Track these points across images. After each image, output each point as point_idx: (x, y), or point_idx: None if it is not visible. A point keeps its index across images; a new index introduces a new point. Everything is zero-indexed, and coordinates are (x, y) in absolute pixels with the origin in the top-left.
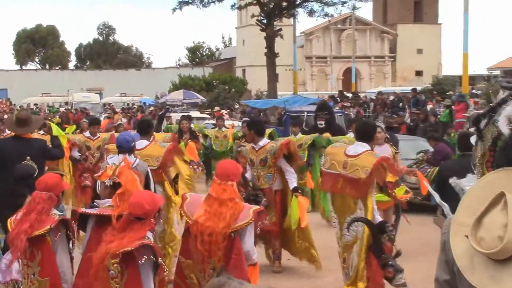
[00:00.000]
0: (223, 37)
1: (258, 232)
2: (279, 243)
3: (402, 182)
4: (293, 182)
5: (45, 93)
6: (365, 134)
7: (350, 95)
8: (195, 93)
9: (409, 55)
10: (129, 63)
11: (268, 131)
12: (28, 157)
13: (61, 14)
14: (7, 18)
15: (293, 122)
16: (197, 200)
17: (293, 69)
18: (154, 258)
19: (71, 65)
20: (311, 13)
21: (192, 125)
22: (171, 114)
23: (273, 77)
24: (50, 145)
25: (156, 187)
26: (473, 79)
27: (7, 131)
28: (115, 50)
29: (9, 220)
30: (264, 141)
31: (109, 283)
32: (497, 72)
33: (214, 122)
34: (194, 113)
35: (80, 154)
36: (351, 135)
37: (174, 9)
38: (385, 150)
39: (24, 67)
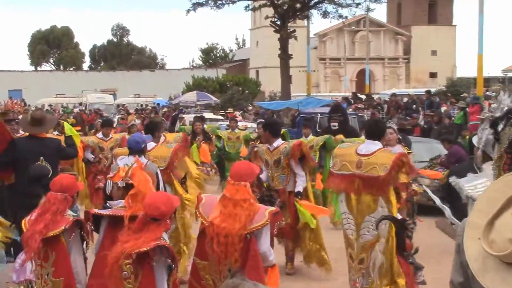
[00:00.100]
0: (236, 39)
1: (274, 233)
2: (292, 244)
3: (414, 184)
4: (299, 186)
5: (59, 94)
6: (376, 131)
7: (363, 97)
8: (208, 94)
9: (423, 56)
10: (143, 64)
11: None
12: (42, 158)
13: (75, 16)
14: (22, 20)
15: (304, 124)
16: (212, 201)
17: (306, 71)
18: (169, 260)
19: (85, 66)
20: (325, 14)
21: (205, 126)
22: (184, 116)
23: (286, 79)
24: (64, 145)
25: (166, 187)
26: (487, 81)
27: (21, 132)
28: (129, 51)
29: (23, 220)
30: (278, 142)
31: (122, 283)
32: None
33: (227, 123)
34: (208, 114)
35: (93, 156)
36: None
37: (188, 11)
38: (397, 151)
39: (38, 68)
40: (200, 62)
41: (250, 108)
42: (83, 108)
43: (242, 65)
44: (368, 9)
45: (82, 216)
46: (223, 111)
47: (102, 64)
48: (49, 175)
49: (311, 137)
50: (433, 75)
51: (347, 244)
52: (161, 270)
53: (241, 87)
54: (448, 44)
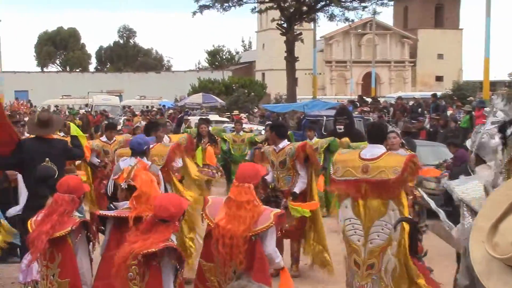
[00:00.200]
0: (243, 41)
1: (279, 235)
2: (298, 246)
3: (420, 187)
4: (296, 187)
5: (65, 95)
6: (378, 135)
7: (369, 100)
8: (214, 96)
9: (429, 60)
10: (149, 66)
11: None
12: (47, 159)
13: (82, 17)
14: (29, 21)
15: (308, 126)
16: (219, 202)
17: (312, 73)
18: (177, 262)
19: (92, 67)
20: (331, 17)
21: (210, 128)
22: (190, 118)
23: (292, 81)
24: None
25: (166, 185)
26: (494, 85)
27: (26, 134)
28: (135, 53)
29: (29, 221)
30: (284, 143)
31: (128, 284)
32: None
33: (233, 125)
34: (213, 117)
35: (99, 161)
36: None
37: (194, 13)
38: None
39: (45, 69)
40: (206, 64)
41: (255, 110)
42: (89, 110)
43: (248, 68)
44: (374, 12)
45: (88, 217)
46: (229, 113)
47: (108, 66)
48: (55, 176)
49: (315, 139)
50: (439, 78)
51: (350, 250)
52: (168, 271)
53: (247, 90)
54: (455, 48)
